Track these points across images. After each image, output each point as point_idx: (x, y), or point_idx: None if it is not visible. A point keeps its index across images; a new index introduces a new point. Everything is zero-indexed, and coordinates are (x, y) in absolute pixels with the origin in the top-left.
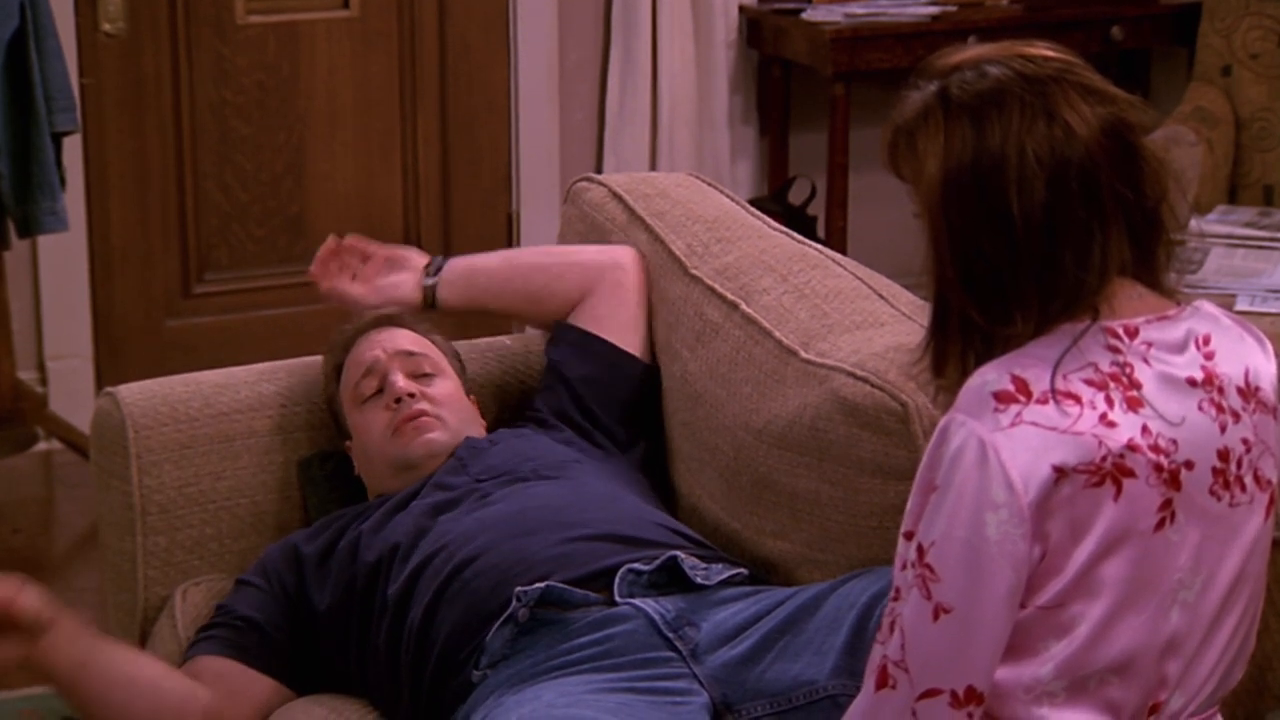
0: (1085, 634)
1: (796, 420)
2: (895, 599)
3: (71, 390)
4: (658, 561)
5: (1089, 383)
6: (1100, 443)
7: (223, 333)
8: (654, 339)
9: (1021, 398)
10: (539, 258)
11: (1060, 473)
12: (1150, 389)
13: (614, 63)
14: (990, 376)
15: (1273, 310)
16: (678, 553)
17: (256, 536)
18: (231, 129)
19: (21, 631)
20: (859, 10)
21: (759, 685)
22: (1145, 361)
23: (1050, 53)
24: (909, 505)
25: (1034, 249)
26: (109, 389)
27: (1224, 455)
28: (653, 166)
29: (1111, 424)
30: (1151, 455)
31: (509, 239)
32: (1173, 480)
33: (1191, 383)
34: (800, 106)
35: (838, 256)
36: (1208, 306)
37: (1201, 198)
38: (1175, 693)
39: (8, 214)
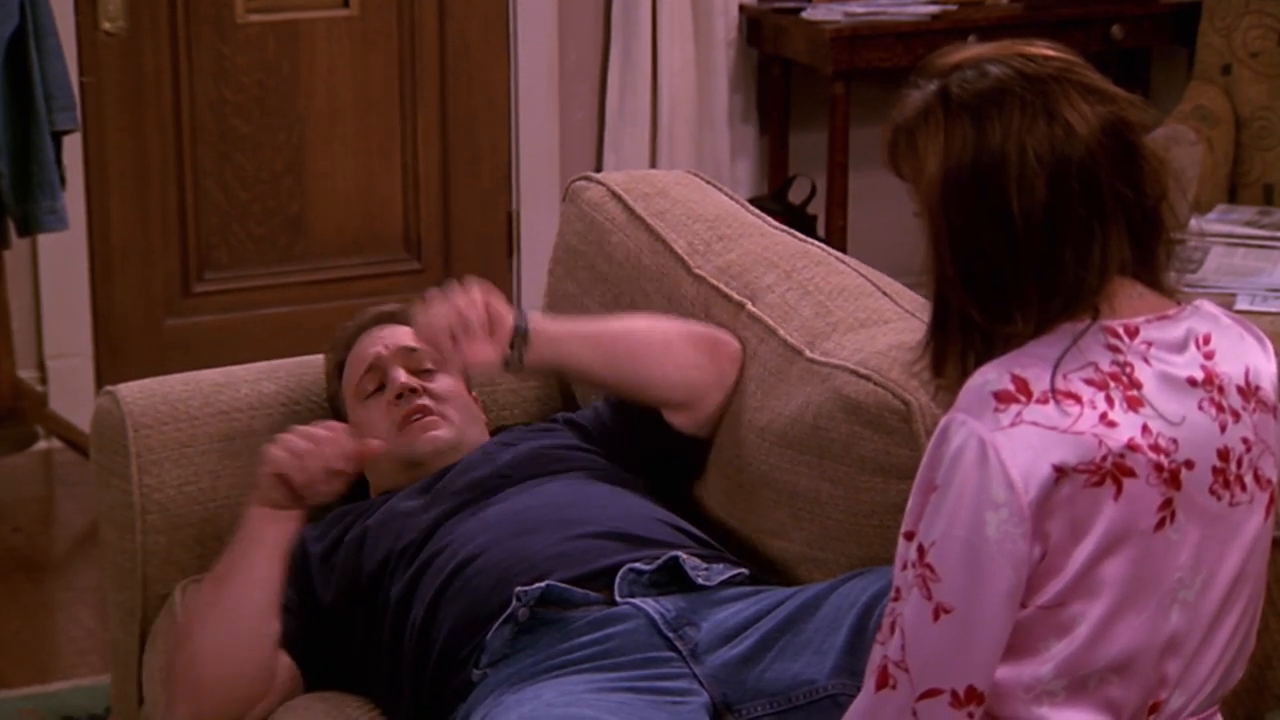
0: (1085, 633)
1: (799, 418)
2: (896, 599)
3: (71, 389)
4: (659, 561)
5: (1089, 382)
6: (1100, 442)
7: (222, 332)
8: None
9: (1022, 397)
10: (647, 361)
11: (1060, 472)
12: (1150, 388)
13: (614, 62)
14: (990, 376)
15: (1273, 309)
16: (679, 553)
17: None
18: (231, 128)
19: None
20: (859, 9)
21: (759, 685)
22: (1145, 361)
23: (1050, 52)
24: (909, 505)
25: (1034, 248)
26: (109, 388)
27: (1224, 455)
28: (653, 165)
29: (1112, 423)
30: (1152, 455)
31: (509, 238)
32: (1173, 480)
33: (1191, 382)
34: (800, 105)
35: (839, 254)
36: (1208, 306)
37: (1201, 197)
38: (1175, 692)
39: (8, 213)
